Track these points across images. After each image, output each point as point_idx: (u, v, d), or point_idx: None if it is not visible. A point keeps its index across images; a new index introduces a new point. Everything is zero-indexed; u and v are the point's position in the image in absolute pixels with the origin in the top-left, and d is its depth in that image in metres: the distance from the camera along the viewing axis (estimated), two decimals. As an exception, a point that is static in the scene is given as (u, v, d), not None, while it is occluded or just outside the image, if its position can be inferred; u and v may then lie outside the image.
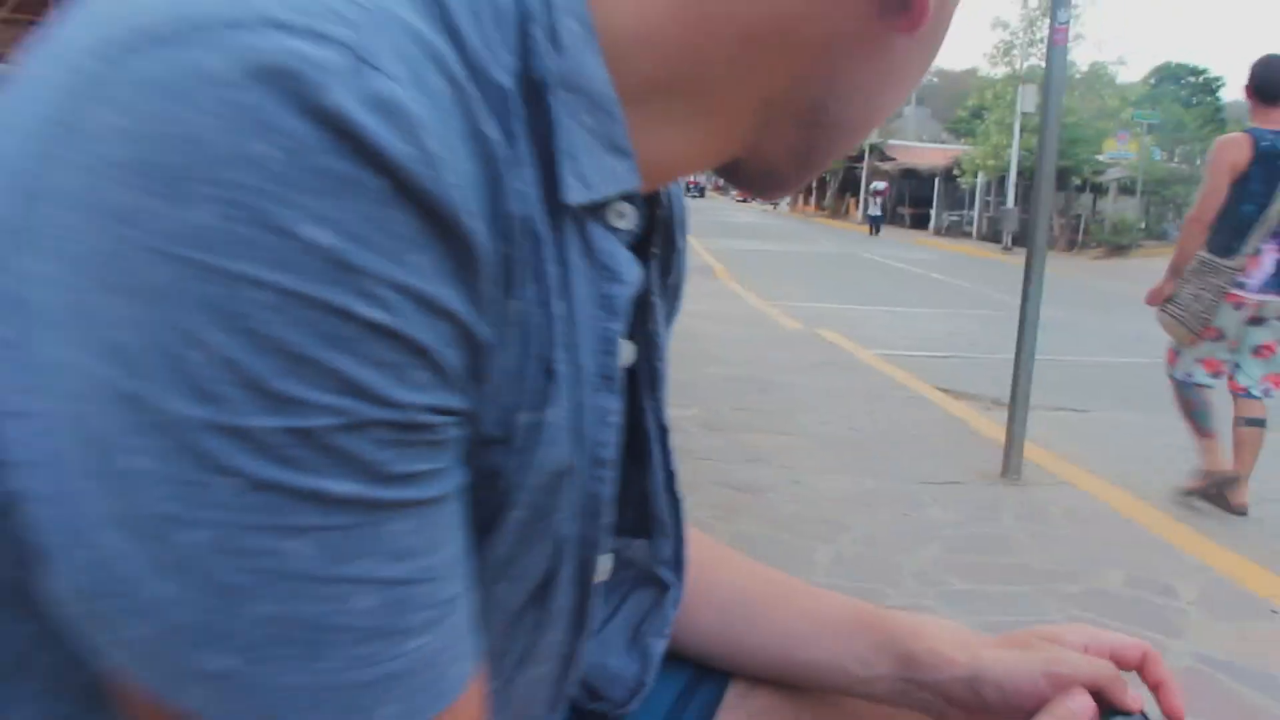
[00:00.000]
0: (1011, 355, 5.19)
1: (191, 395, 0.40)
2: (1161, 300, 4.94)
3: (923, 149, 49.22)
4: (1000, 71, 34.62)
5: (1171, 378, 5.30)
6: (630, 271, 0.56)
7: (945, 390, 7.57)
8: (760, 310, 11.69)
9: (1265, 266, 4.73)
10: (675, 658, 0.88)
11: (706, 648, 0.90)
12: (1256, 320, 4.84)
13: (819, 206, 59.35)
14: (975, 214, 36.91)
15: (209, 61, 0.40)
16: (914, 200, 41.87)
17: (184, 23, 0.41)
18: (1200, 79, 65.65)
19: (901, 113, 67.77)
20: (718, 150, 0.61)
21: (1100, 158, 31.82)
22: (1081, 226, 31.88)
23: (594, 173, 0.53)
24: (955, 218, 39.29)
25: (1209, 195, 4.75)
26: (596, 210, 0.54)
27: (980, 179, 35.60)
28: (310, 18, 0.41)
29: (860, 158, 47.59)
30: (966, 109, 40.44)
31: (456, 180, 0.43)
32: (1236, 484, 4.89)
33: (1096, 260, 28.60)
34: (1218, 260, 4.73)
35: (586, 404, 0.56)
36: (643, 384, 0.72)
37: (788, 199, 73.48)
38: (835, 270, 20.01)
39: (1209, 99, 62.94)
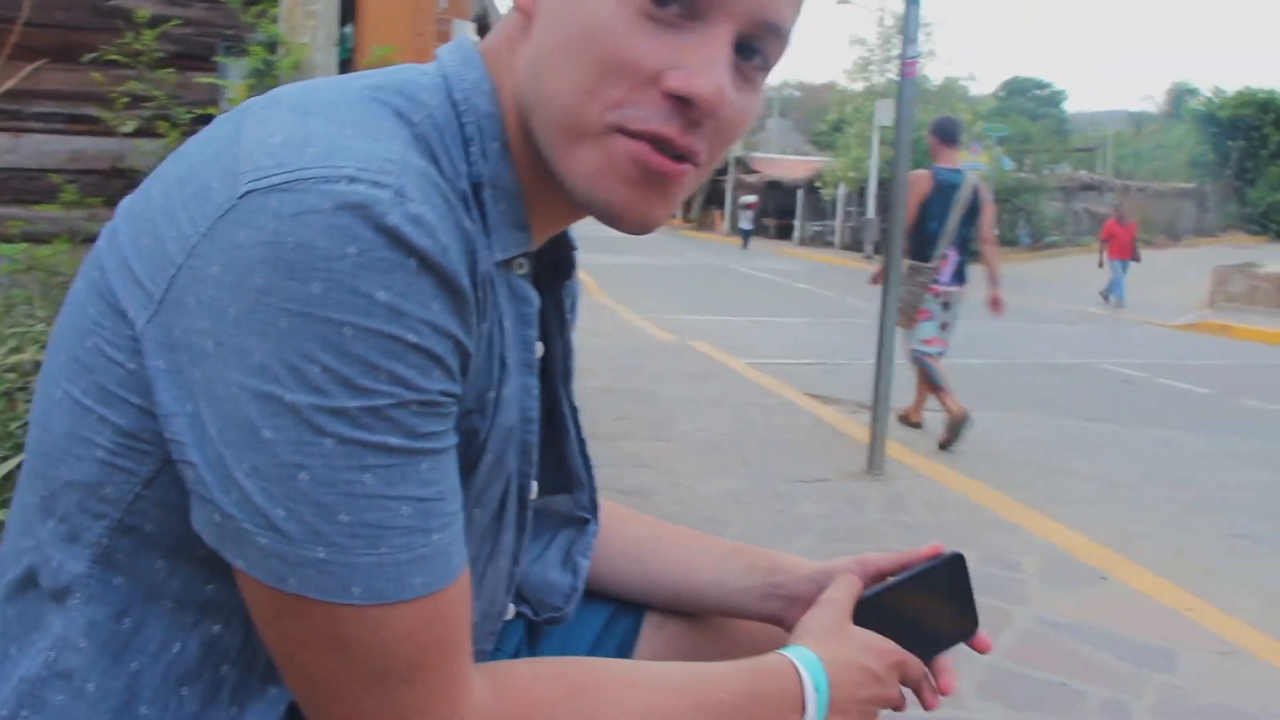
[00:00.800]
0: (874, 360, 5.59)
1: (307, 389, 0.70)
2: (879, 281, 5.87)
3: (786, 161, 50.07)
4: (859, 86, 35.57)
5: (914, 360, 6.84)
6: (533, 296, 0.92)
7: (813, 395, 7.98)
8: (633, 324, 12.01)
9: (949, 266, 6.65)
10: (595, 597, 1.21)
11: (625, 585, 1.25)
12: (946, 304, 6.74)
13: (685, 220, 60.04)
14: (838, 224, 37.79)
15: (313, 201, 0.70)
16: (778, 211, 42.67)
17: (292, 177, 0.72)
18: (1046, 92, 68.27)
19: (764, 125, 68.97)
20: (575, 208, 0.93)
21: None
22: (938, 234, 33.02)
23: (506, 239, 0.88)
24: (818, 228, 40.20)
25: (908, 211, 6.18)
26: (509, 263, 0.89)
27: (842, 190, 36.49)
28: (370, 172, 0.72)
29: (725, 171, 48.36)
30: (827, 122, 41.48)
31: (456, 257, 0.75)
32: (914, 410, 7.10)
33: (953, 266, 29.65)
34: (919, 264, 6.56)
35: (519, 383, 0.90)
36: (558, 377, 1.09)
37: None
38: (704, 282, 20.45)
39: (1054, 110, 65.54)
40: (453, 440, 0.79)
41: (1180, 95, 61.16)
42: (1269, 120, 38.37)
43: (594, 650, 1.21)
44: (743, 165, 47.94)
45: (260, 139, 0.75)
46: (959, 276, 6.71)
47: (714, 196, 55.62)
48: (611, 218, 0.86)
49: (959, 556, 1.16)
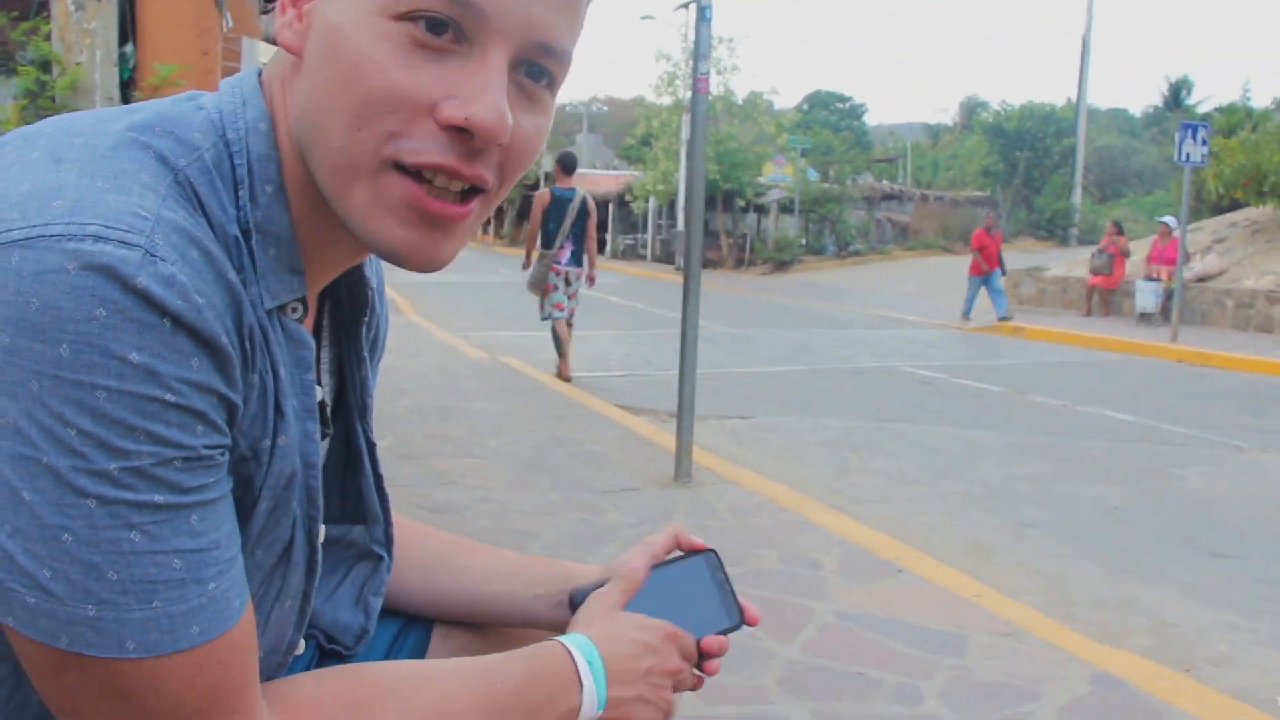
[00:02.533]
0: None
1: (64, 453, 0.69)
2: (527, 268, 9.56)
3: (596, 175, 50.30)
4: (666, 100, 36.05)
5: (544, 319, 9.61)
6: (308, 338, 0.91)
7: (624, 407, 8.08)
8: (445, 342, 11.92)
9: (566, 253, 9.38)
10: (387, 613, 1.22)
11: (414, 600, 1.26)
12: (567, 280, 9.44)
13: (498, 235, 59.76)
14: (649, 237, 38.33)
15: (55, 260, 0.69)
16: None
17: (35, 233, 0.70)
18: (847, 105, 70.38)
19: (574, 140, 69.19)
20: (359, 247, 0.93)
21: (761, 180, 33.62)
22: (748, 245, 33.71)
23: (277, 286, 0.86)
24: (630, 241, 40.66)
25: (533, 218, 9.46)
26: (284, 308, 0.88)
27: (652, 203, 36.98)
28: (117, 231, 0.71)
29: (536, 185, 48.36)
30: (635, 136, 41.89)
31: (213, 316, 0.74)
32: (564, 370, 9.61)
33: (763, 276, 30.39)
34: (546, 251, 9.36)
35: (299, 429, 0.89)
36: (354, 413, 1.08)
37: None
38: (516, 298, 20.34)
39: (855, 123, 67.65)
40: (225, 489, 0.79)
41: (972, 108, 63.90)
42: (1050, 132, 40.55)
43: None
44: (551, 180, 47.96)
45: (6, 187, 0.74)
46: (575, 260, 9.46)
47: (526, 211, 55.46)
48: (395, 259, 0.86)
49: (712, 552, 1.21)
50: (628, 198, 38.12)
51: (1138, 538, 5.25)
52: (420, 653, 1.25)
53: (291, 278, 0.88)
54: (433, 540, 1.28)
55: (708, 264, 28.06)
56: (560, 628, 1.19)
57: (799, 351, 13.09)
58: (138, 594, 0.72)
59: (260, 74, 0.91)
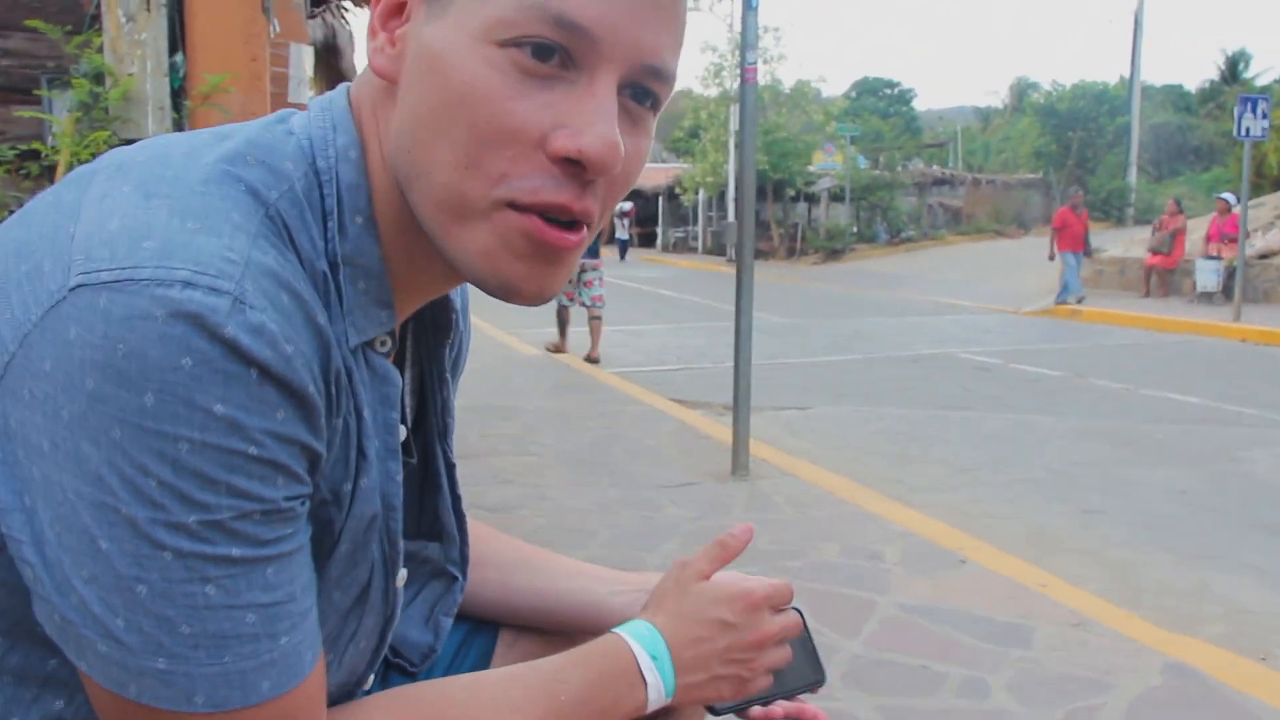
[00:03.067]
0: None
1: (143, 503, 0.68)
2: None
3: (646, 169, 50.43)
4: (712, 92, 35.89)
5: (563, 304, 10.32)
6: (396, 377, 0.88)
7: (678, 401, 8.05)
8: (498, 339, 11.96)
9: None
10: (454, 618, 1.20)
11: (484, 599, 1.23)
12: (581, 270, 9.82)
13: (550, 232, 59.85)
14: (699, 229, 38.19)
15: (145, 306, 0.67)
16: (640, 219, 42.93)
17: (124, 275, 0.68)
18: (895, 91, 69.85)
19: (622, 136, 69.18)
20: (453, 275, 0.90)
21: (811, 169, 33.44)
22: (799, 234, 33.51)
23: (364, 321, 0.83)
24: (681, 234, 40.55)
25: None
26: (370, 343, 0.85)
27: (701, 195, 36.84)
28: (207, 277, 0.69)
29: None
30: (683, 129, 41.74)
31: (301, 364, 0.72)
32: (562, 346, 10.53)
33: (814, 265, 30.21)
34: None
35: (381, 469, 0.87)
36: (434, 433, 1.06)
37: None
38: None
39: (904, 109, 67.12)
40: (303, 538, 0.78)
41: (1023, 90, 63.09)
42: (1103, 111, 39.87)
43: (450, 670, 1.20)
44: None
45: (97, 222, 0.72)
46: (591, 253, 9.99)
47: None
48: (507, 294, 0.83)
49: (796, 609, 1.14)
50: (677, 190, 38.02)
51: (1207, 522, 5.14)
52: (485, 661, 1.23)
53: (380, 311, 0.85)
54: (506, 541, 1.27)
55: (759, 255, 27.99)
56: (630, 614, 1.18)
57: (853, 340, 12.99)
58: (209, 649, 0.71)
59: (349, 93, 0.88)
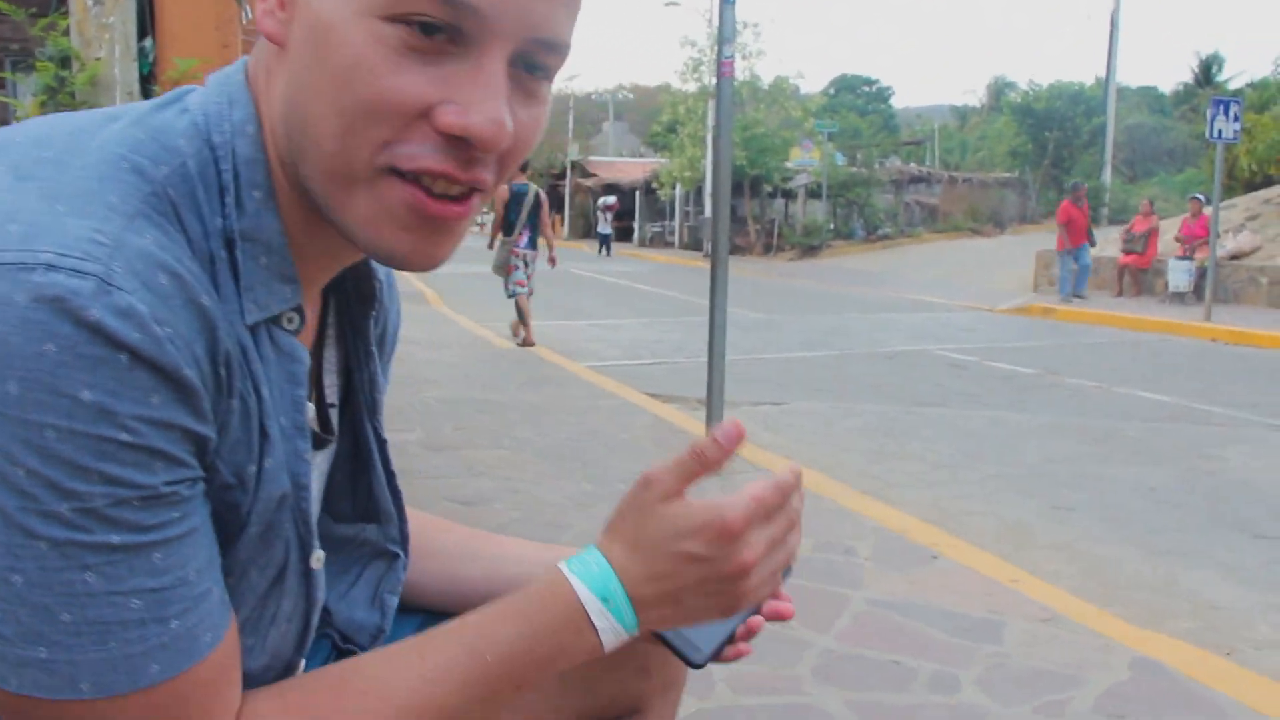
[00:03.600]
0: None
1: (12, 493, 0.66)
2: (492, 249, 11.19)
3: (623, 163, 50.27)
4: (691, 87, 35.87)
5: (509, 296, 11.07)
6: (301, 352, 0.86)
7: (653, 395, 8.04)
8: (473, 332, 11.93)
9: (524, 239, 10.91)
10: (409, 609, 1.18)
11: (435, 591, 1.21)
12: (525, 261, 10.98)
13: (527, 226, 59.73)
14: (676, 224, 38.24)
15: (5, 290, 0.66)
16: (617, 213, 42.93)
17: None
18: (873, 88, 70.06)
19: (601, 128, 69.12)
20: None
21: (788, 165, 33.47)
22: (776, 231, 33.56)
23: (266, 297, 0.82)
24: (658, 229, 40.55)
25: (496, 212, 11.00)
26: (275, 319, 0.83)
27: (679, 190, 36.87)
28: (71, 259, 0.67)
29: (563, 175, 48.38)
30: (661, 123, 41.68)
31: (178, 346, 0.70)
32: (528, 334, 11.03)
33: (791, 261, 30.25)
34: (507, 238, 10.91)
35: (288, 449, 0.85)
36: (363, 410, 1.03)
37: (492, 218, 72.96)
38: (546, 288, 20.40)
39: (882, 106, 67.35)
40: (196, 521, 0.75)
41: (1000, 89, 63.36)
42: (1079, 111, 40.07)
43: None
44: (580, 169, 48.01)
45: None
46: (531, 245, 11.06)
47: (553, 201, 55.45)
48: (395, 263, 0.83)
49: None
50: (654, 185, 38.02)
51: (1177, 519, 5.18)
52: None
53: (283, 286, 0.83)
54: (449, 530, 1.24)
55: (735, 250, 27.98)
56: None
57: (830, 336, 13.02)
58: (92, 635, 0.70)
59: (247, 66, 0.86)
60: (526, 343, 10.95)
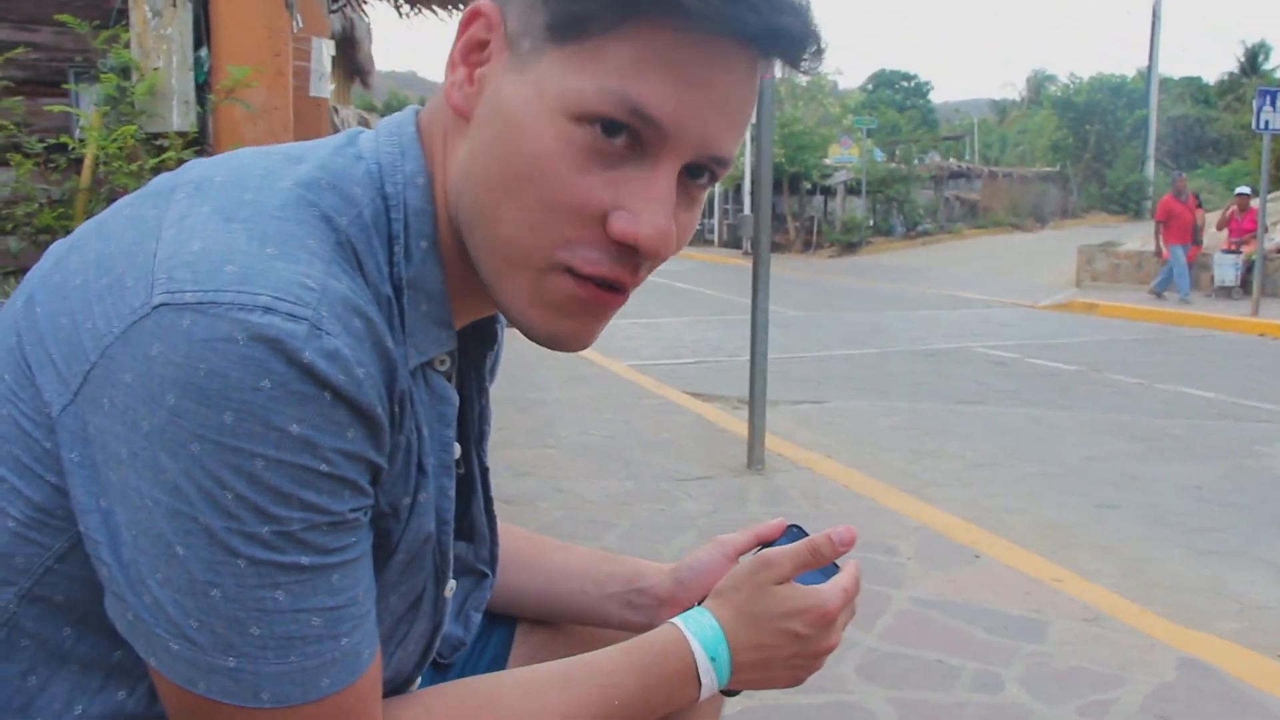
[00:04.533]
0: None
1: (219, 514, 0.72)
2: None
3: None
4: (728, 85, 35.65)
5: None
6: (453, 396, 0.91)
7: (694, 394, 8.07)
8: (514, 332, 12.00)
9: None
10: None
11: (497, 601, 1.26)
12: None
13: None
14: (715, 222, 38.21)
15: (227, 329, 0.71)
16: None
17: (207, 298, 0.72)
18: (912, 84, 69.65)
19: (638, 128, 69.18)
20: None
21: (827, 162, 33.40)
22: (815, 228, 33.49)
23: (425, 342, 0.87)
24: (697, 226, 40.51)
25: None
26: (430, 363, 0.89)
27: (718, 188, 36.87)
28: (285, 303, 0.73)
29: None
30: (700, 121, 41.60)
31: (371, 386, 0.76)
32: None
33: (831, 259, 30.20)
34: None
35: (436, 485, 0.91)
36: (472, 439, 1.09)
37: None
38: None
39: (921, 101, 66.94)
40: (365, 545, 0.81)
41: (1039, 82, 62.89)
42: (1121, 104, 39.72)
43: (470, 657, 1.24)
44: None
45: (179, 243, 0.76)
46: None
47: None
48: (549, 344, 0.89)
49: (794, 527, 1.20)
50: (693, 183, 37.95)
51: (1222, 518, 5.15)
52: (505, 649, 1.27)
53: (440, 331, 0.89)
54: (511, 538, 1.29)
55: (775, 248, 27.93)
56: (634, 626, 1.20)
57: (869, 334, 13.00)
58: (276, 649, 0.75)
59: (419, 118, 0.92)
60: None
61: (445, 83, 0.88)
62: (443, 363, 0.90)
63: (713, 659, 1.00)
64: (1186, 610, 3.84)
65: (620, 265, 0.83)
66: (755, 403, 5.55)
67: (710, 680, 1.00)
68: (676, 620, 1.02)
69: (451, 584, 0.99)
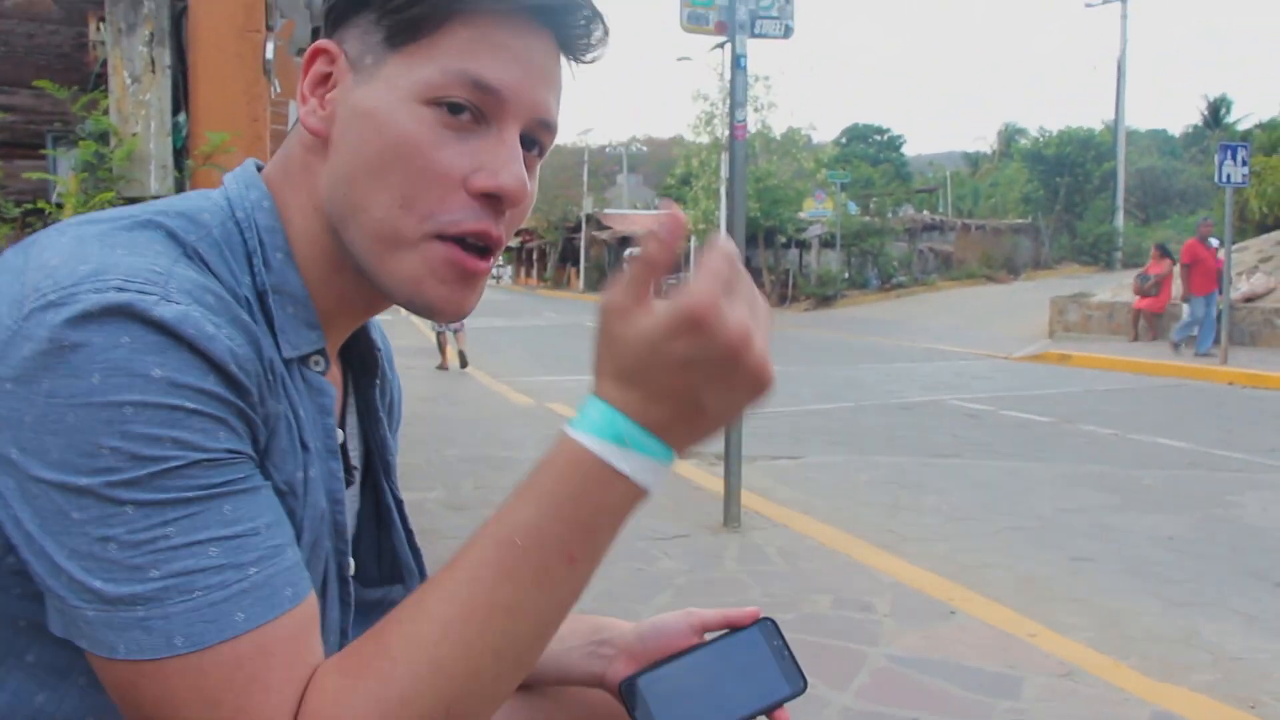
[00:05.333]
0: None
1: (101, 471, 0.76)
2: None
3: (637, 216, 50.54)
4: (704, 139, 36.11)
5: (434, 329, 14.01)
6: (329, 388, 0.99)
7: (671, 449, 8.06)
8: (491, 388, 12.00)
9: None
10: None
11: None
12: None
13: (541, 279, 59.97)
14: (691, 276, 38.24)
15: (83, 307, 0.78)
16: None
17: (66, 291, 0.79)
18: (885, 137, 70.36)
19: (615, 180, 69.50)
20: (380, 299, 1.01)
21: (802, 215, 33.62)
22: (790, 281, 33.68)
23: (296, 339, 0.95)
24: (673, 280, 40.62)
25: None
26: (304, 359, 0.97)
27: (693, 242, 37.04)
28: (136, 282, 0.80)
29: (578, 228, 48.63)
30: (675, 176, 41.95)
31: (226, 342, 0.82)
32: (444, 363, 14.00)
33: (806, 311, 30.34)
34: None
35: (324, 466, 0.96)
36: (379, 473, 1.15)
37: (509, 271, 73.49)
38: (561, 342, 20.52)
39: (894, 155, 67.60)
40: (260, 480, 0.84)
41: (1010, 135, 63.63)
42: (1090, 156, 40.22)
43: None
44: (595, 222, 48.27)
45: (41, 264, 0.83)
46: None
47: (568, 254, 55.76)
48: (432, 313, 0.96)
49: (768, 620, 1.21)
50: (668, 237, 38.08)
51: (1196, 569, 5.19)
52: None
53: (310, 331, 0.97)
54: None
55: (750, 301, 27.93)
56: (593, 680, 1.22)
57: (845, 388, 13.05)
58: (179, 587, 0.77)
59: (255, 164, 1.03)
60: (443, 366, 13.86)
61: (300, 114, 0.98)
62: (316, 362, 0.98)
63: (618, 441, 0.83)
64: (1160, 662, 3.87)
65: (483, 217, 0.92)
66: (731, 462, 5.58)
67: (637, 463, 0.83)
68: (562, 426, 0.87)
69: (350, 563, 1.03)
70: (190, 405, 0.79)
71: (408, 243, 0.92)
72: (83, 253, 0.82)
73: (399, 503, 1.17)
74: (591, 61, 1.00)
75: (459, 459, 7.38)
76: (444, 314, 0.96)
